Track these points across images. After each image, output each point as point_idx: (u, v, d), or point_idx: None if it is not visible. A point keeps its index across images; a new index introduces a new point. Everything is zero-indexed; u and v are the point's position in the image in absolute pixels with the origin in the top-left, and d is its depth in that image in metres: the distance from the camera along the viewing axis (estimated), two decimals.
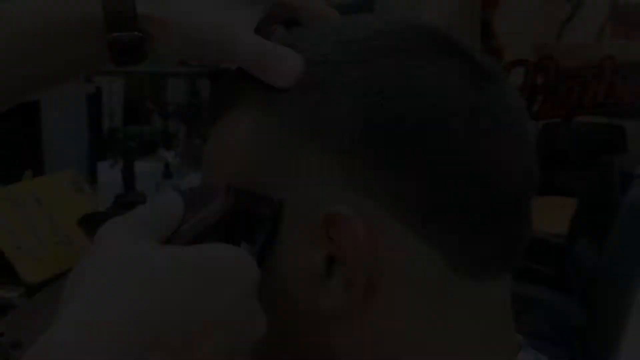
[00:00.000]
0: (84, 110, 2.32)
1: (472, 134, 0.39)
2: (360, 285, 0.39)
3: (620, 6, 4.82)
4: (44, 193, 1.63)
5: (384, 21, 0.43)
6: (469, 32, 3.64)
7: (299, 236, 0.40)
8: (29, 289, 1.40)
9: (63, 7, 0.44)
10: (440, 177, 0.39)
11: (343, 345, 0.41)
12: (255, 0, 0.45)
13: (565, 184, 3.93)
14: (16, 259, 1.46)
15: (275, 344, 0.41)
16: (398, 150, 0.38)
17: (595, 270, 1.90)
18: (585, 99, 4.98)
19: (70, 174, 1.78)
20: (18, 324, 1.24)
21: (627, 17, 4.83)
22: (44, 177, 1.84)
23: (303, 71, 0.41)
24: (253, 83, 0.43)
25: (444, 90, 0.40)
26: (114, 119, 2.51)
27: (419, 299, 0.40)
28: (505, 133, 0.41)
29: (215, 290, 0.34)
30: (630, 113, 4.69)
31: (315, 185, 0.40)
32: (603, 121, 4.89)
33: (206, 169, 0.45)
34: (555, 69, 4.99)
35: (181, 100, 2.73)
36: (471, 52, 0.43)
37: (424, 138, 0.38)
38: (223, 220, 0.39)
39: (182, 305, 0.33)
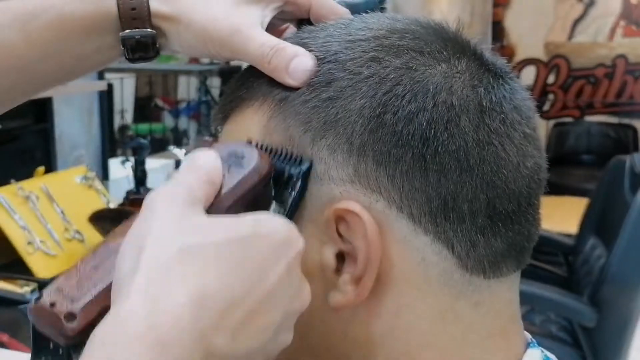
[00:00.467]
0: (95, 107, 2.34)
1: (482, 133, 0.40)
2: (370, 280, 0.39)
3: (632, 5, 4.78)
4: (55, 189, 1.64)
5: (394, 20, 0.44)
6: (480, 31, 3.63)
7: (309, 232, 0.40)
8: (41, 285, 1.41)
9: (77, 3, 0.45)
10: (450, 175, 0.39)
11: (353, 340, 0.41)
12: None
13: (576, 184, 3.91)
14: (28, 254, 1.47)
15: None
16: (408, 149, 0.39)
17: (605, 270, 1.89)
18: (597, 99, 4.96)
19: (81, 171, 1.79)
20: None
21: (639, 16, 4.80)
22: (55, 174, 1.86)
23: (314, 69, 0.41)
24: (265, 81, 0.43)
25: (453, 89, 0.40)
26: (124, 116, 2.52)
27: (428, 296, 0.40)
28: (514, 132, 0.41)
29: (273, 263, 0.34)
30: None
31: (325, 182, 0.40)
32: (614, 121, 4.87)
33: None
34: (567, 69, 4.97)
35: (192, 97, 2.74)
36: (481, 51, 0.43)
37: (433, 137, 0.39)
38: (260, 181, 0.39)
39: (246, 283, 0.33)
